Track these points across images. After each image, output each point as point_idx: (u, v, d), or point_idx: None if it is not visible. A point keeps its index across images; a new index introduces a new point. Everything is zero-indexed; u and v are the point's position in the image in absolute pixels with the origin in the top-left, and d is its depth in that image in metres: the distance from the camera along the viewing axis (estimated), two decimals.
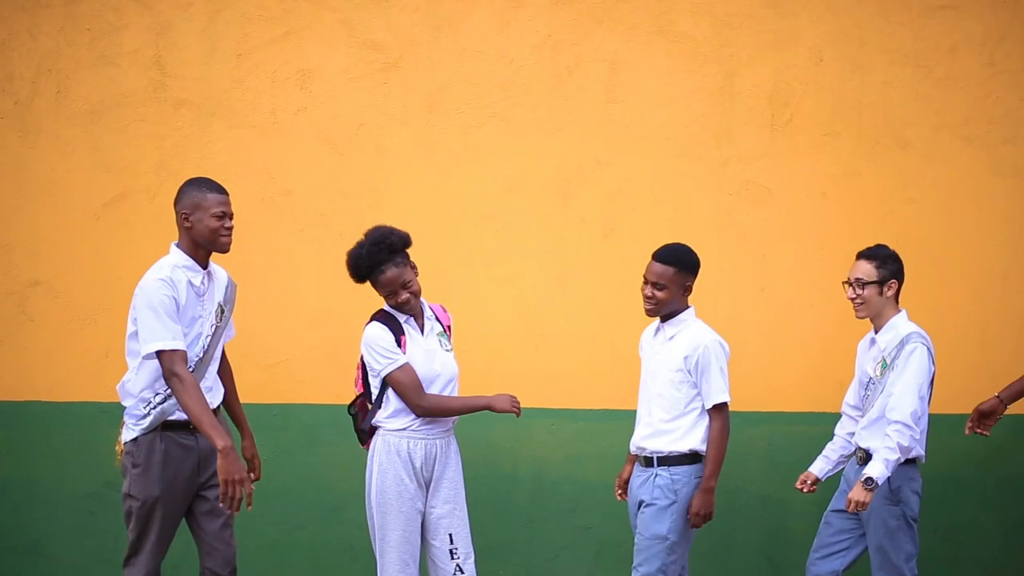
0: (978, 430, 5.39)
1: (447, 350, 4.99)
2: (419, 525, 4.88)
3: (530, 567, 6.02)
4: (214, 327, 4.77)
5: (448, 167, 6.07)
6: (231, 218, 4.71)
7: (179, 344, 4.53)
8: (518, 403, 4.97)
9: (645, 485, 4.93)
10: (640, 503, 4.95)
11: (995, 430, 5.73)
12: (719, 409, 4.88)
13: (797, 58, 6.01)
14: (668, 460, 4.88)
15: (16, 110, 6.13)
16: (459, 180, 6.06)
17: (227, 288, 4.88)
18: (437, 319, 5.04)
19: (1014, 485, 6.00)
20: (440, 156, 6.07)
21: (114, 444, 4.79)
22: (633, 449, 5.04)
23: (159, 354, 4.51)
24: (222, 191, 4.74)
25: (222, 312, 4.82)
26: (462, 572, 4.90)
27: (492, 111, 6.06)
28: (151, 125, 6.09)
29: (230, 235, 4.70)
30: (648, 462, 4.94)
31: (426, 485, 4.88)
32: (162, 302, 4.54)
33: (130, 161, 6.08)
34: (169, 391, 4.58)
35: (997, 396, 5.33)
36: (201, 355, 4.71)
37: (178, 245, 4.73)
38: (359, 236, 4.93)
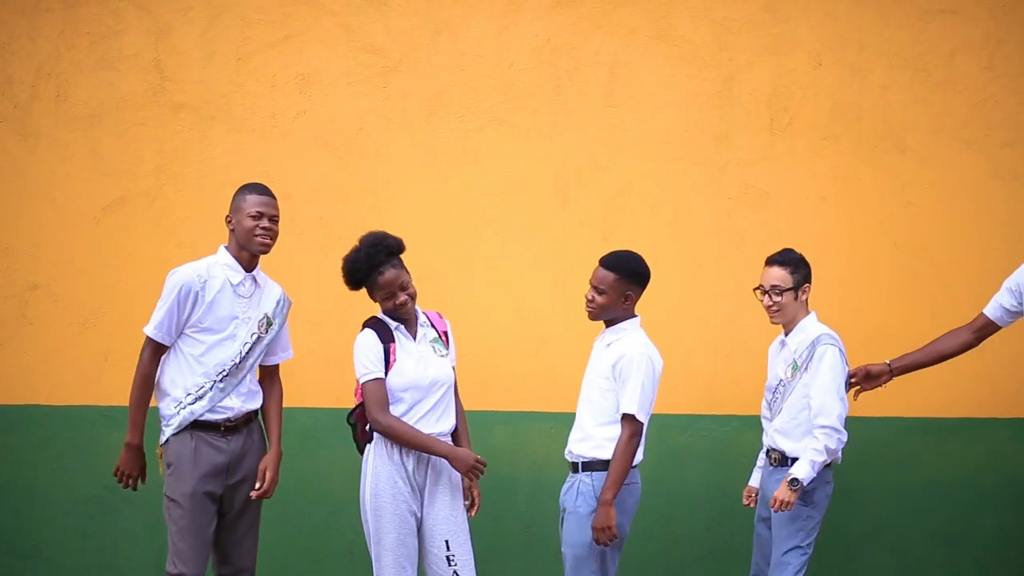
0: (855, 389, 5.26)
1: (441, 355, 4.96)
2: (415, 529, 4.86)
3: (529, 571, 6.02)
4: (255, 336, 4.83)
5: (447, 171, 6.07)
6: (271, 219, 4.84)
7: (162, 338, 4.70)
8: (480, 467, 4.85)
9: (569, 492, 4.85)
10: (564, 511, 4.87)
11: (993, 433, 5.76)
12: (628, 420, 4.72)
13: (796, 62, 6.02)
14: (591, 466, 4.79)
15: (16, 114, 6.14)
16: (458, 184, 6.07)
17: (279, 302, 4.97)
18: (432, 325, 5.02)
19: (1012, 488, 5.98)
20: (439, 160, 6.08)
21: (155, 448, 4.85)
22: (565, 454, 4.96)
23: (147, 336, 4.72)
24: (263, 192, 4.88)
25: (269, 324, 4.89)
26: None
27: (491, 115, 6.07)
28: (151, 129, 6.11)
29: (267, 235, 4.82)
30: (574, 467, 4.86)
31: (420, 490, 4.87)
32: (174, 296, 4.69)
33: (129, 165, 6.09)
34: (200, 390, 4.71)
35: (888, 363, 5.25)
36: (237, 360, 4.78)
37: (226, 247, 4.88)
38: (358, 240, 4.93)
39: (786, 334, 5.08)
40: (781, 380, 5.04)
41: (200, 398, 4.72)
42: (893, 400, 5.82)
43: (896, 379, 5.59)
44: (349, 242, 5.09)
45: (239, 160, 6.07)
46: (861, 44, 6.01)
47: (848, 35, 6.01)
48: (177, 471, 4.71)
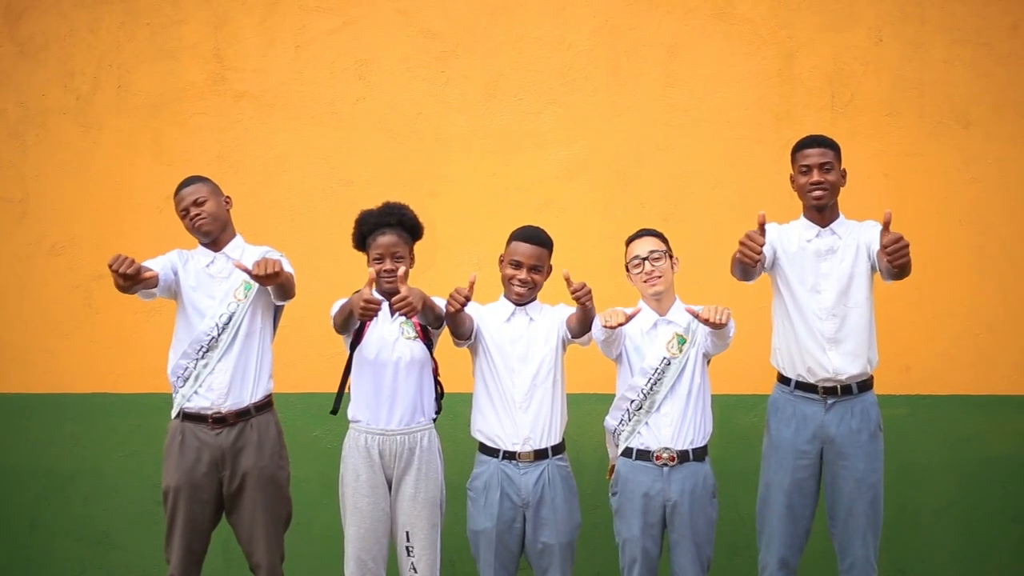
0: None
1: (408, 337, 4.90)
2: (380, 521, 4.83)
3: (594, 553, 6.03)
4: (232, 304, 4.86)
5: (507, 154, 6.07)
6: (197, 204, 4.86)
7: (153, 261, 4.91)
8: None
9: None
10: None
11: None
12: None
13: (856, 38, 5.97)
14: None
15: (78, 105, 6.21)
16: (518, 167, 6.07)
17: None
18: None
19: None
20: (499, 143, 6.08)
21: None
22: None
23: None
24: (183, 185, 4.93)
25: (247, 288, 4.88)
26: (415, 572, 4.82)
27: (550, 97, 6.06)
28: (211, 118, 6.15)
29: (199, 221, 4.87)
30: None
31: (389, 479, 4.84)
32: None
33: (191, 154, 6.14)
34: (185, 371, 4.79)
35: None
36: (215, 333, 4.82)
37: None
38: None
39: (661, 315, 4.89)
40: (668, 359, 4.83)
41: (187, 379, 4.78)
42: (960, 378, 5.78)
43: (964, 356, 5.52)
44: None
45: (299, 147, 6.11)
46: (922, 19, 5.95)
47: (908, 10, 5.95)
48: (165, 462, 4.81)
